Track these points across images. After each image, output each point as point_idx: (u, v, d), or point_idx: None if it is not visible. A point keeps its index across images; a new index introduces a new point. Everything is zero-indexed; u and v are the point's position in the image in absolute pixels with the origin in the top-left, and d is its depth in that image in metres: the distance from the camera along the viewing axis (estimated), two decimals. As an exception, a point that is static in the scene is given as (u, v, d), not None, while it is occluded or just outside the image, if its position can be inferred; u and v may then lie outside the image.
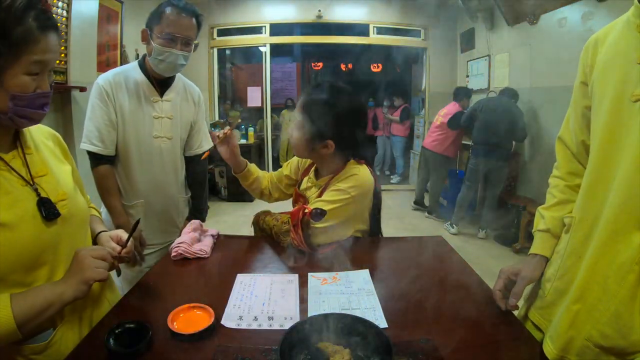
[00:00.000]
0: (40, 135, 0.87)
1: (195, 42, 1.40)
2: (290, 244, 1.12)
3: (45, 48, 0.69)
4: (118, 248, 0.89)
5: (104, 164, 1.40)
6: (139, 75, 1.41)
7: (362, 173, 1.17)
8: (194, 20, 1.36)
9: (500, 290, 0.85)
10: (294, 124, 1.20)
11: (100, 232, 0.96)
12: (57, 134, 0.93)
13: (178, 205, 1.58)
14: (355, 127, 1.18)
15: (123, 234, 0.93)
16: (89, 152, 1.39)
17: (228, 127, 1.28)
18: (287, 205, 1.38)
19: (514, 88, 3.84)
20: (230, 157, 1.31)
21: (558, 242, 0.83)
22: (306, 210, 1.10)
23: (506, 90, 3.83)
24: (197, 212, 1.64)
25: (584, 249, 0.72)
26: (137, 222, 0.91)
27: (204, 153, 1.59)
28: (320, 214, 1.09)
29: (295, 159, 1.41)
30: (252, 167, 1.39)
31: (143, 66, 1.43)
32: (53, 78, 0.77)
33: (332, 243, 1.16)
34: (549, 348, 0.72)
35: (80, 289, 0.72)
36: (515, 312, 0.88)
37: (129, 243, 0.90)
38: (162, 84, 1.44)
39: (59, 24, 0.78)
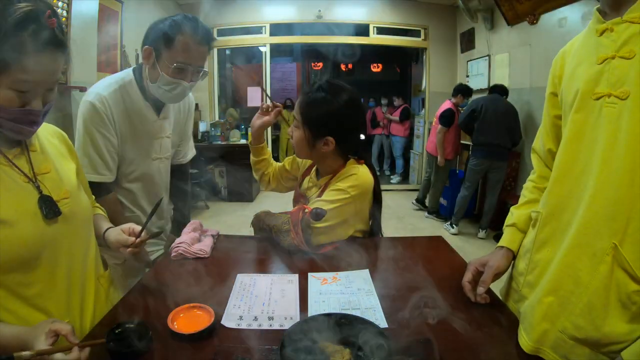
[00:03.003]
0: (46, 133, 0.87)
1: (205, 69, 1.23)
2: (290, 244, 1.12)
3: (37, 68, 0.64)
4: (131, 239, 0.90)
5: (110, 191, 1.26)
6: (135, 94, 1.25)
7: (361, 172, 1.17)
8: (208, 47, 1.19)
9: (470, 282, 0.89)
10: (294, 124, 1.20)
11: (108, 228, 0.96)
12: (64, 133, 0.93)
13: (168, 216, 1.56)
14: (355, 124, 1.18)
15: (135, 226, 0.94)
16: (94, 183, 1.16)
17: (279, 103, 1.34)
18: (287, 206, 1.38)
19: (508, 87, 3.85)
20: (259, 129, 1.36)
21: (526, 236, 0.88)
22: (306, 210, 1.10)
23: (496, 87, 3.83)
24: (180, 223, 1.52)
25: (553, 243, 0.74)
26: (158, 203, 0.93)
27: (188, 162, 1.59)
28: (320, 213, 1.09)
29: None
30: (268, 149, 1.45)
31: (140, 82, 1.25)
32: (54, 95, 0.73)
33: (332, 243, 1.16)
34: (524, 340, 0.73)
35: None
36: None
37: (143, 233, 0.91)
38: (159, 102, 1.29)
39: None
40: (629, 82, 0.62)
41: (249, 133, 1.44)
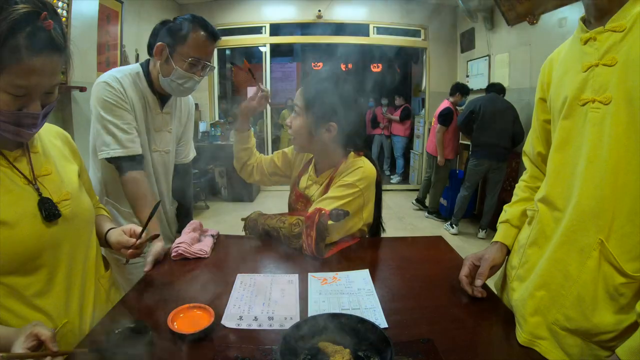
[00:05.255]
0: (49, 134, 0.87)
1: (212, 65, 1.30)
2: (299, 247, 1.10)
3: (33, 71, 0.62)
4: (132, 241, 0.90)
5: (136, 168, 1.24)
6: (143, 85, 1.31)
7: (366, 165, 1.17)
8: (215, 44, 1.28)
9: (467, 276, 0.91)
10: (294, 113, 1.18)
11: (110, 229, 0.96)
12: (67, 134, 0.93)
13: (169, 214, 1.57)
14: (356, 112, 1.18)
15: (136, 227, 0.94)
16: (115, 159, 1.22)
17: (267, 89, 1.33)
18: (283, 207, 1.38)
19: (508, 87, 3.85)
20: (246, 113, 1.35)
21: (520, 232, 0.90)
22: (323, 212, 1.07)
23: (493, 86, 3.83)
24: (183, 221, 1.56)
25: (544, 240, 0.78)
26: (157, 204, 0.93)
27: (190, 162, 1.60)
28: (340, 214, 1.07)
29: (289, 151, 1.39)
30: (253, 139, 1.42)
31: (147, 76, 1.31)
32: (54, 97, 0.72)
33: (338, 244, 1.16)
34: (519, 332, 0.76)
35: None
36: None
37: (144, 234, 0.91)
38: (163, 96, 1.37)
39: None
40: (611, 88, 0.66)
41: (250, 133, 1.44)
